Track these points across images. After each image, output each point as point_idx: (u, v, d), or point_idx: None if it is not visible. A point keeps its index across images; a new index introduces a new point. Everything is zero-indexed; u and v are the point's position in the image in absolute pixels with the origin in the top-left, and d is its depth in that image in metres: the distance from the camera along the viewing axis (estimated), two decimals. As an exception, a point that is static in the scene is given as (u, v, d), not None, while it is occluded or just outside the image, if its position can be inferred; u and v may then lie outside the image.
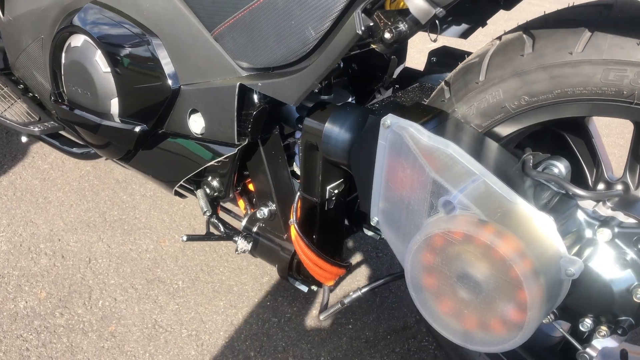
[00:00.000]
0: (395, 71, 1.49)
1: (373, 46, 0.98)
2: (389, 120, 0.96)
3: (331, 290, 1.45)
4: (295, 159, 1.39)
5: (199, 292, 1.56)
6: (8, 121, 1.61)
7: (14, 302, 1.48)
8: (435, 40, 1.35)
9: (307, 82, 1.03)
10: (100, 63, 1.35)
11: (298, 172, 1.37)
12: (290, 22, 1.01)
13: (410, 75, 1.46)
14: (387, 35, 0.93)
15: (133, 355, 1.36)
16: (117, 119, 1.38)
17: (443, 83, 1.07)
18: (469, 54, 1.31)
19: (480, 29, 1.33)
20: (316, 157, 1.18)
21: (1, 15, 1.63)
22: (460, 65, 1.05)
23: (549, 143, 1.09)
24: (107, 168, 2.07)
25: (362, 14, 0.92)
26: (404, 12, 0.92)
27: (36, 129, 1.61)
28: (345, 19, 0.95)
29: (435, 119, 1.00)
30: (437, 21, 1.32)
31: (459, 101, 1.02)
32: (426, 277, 0.94)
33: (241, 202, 1.45)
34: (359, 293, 1.23)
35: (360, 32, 0.92)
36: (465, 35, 1.42)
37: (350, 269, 1.65)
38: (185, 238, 1.34)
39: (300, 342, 1.43)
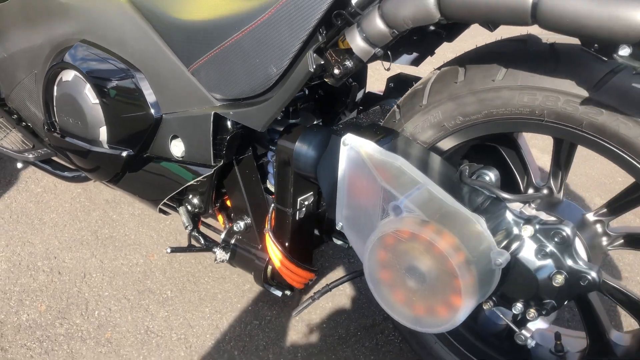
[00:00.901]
0: (358, 95, 1.66)
1: (326, 80, 1.16)
2: (347, 139, 1.14)
3: (302, 292, 1.60)
4: (268, 177, 1.55)
5: (186, 300, 1.71)
6: (5, 149, 1.76)
7: (16, 315, 1.62)
8: (388, 69, 1.52)
9: (271, 111, 1.20)
10: (89, 95, 1.51)
11: (271, 188, 1.54)
12: (255, 60, 1.18)
13: (372, 98, 1.63)
14: (336, 71, 1.11)
15: (128, 358, 1.50)
16: (105, 145, 1.53)
17: (395, 106, 1.25)
18: (420, 78, 1.49)
19: (430, 57, 1.50)
20: (288, 172, 1.35)
21: (-4, 53, 1.79)
22: (409, 91, 1.22)
23: (487, 155, 1.27)
24: (97, 190, 2.22)
25: (314, 54, 1.09)
26: (350, 51, 1.09)
27: (30, 156, 1.76)
28: (301, 58, 1.12)
29: (387, 137, 1.17)
30: (389, 52, 1.51)
31: (407, 121, 1.19)
32: (381, 271, 1.10)
33: (220, 217, 1.61)
34: (327, 289, 1.39)
35: (312, 70, 1.09)
36: (416, 63, 1.60)
37: (323, 273, 1.81)
38: (169, 250, 1.50)
39: (279, 341, 1.58)
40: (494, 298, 1.19)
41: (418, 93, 1.18)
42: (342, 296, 1.74)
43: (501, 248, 1.05)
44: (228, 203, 1.58)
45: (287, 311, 1.68)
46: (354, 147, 1.13)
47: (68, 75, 1.55)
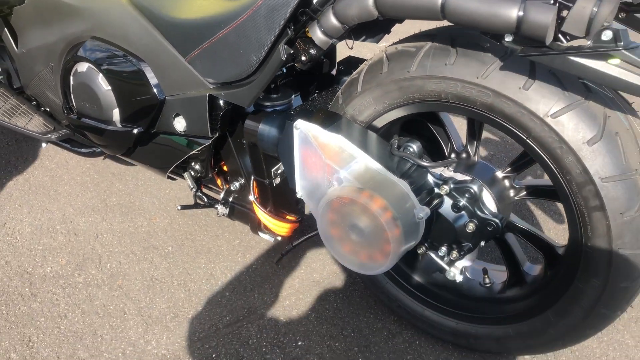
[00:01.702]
0: (330, 69, 1.93)
1: (295, 64, 1.44)
2: (298, 124, 1.41)
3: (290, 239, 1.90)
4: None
5: (184, 254, 2.01)
6: (31, 132, 2.05)
7: (42, 268, 1.92)
8: (351, 48, 1.79)
9: (254, 91, 1.48)
10: (102, 83, 1.79)
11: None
12: (239, 50, 1.46)
13: (327, 78, 1.89)
14: (303, 58, 1.39)
15: (137, 299, 1.81)
16: (119, 124, 1.82)
17: (340, 92, 1.52)
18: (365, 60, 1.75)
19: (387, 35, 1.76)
20: (258, 150, 1.62)
21: (15, 48, 2.06)
22: (348, 79, 1.49)
23: (418, 128, 1.55)
24: (104, 164, 2.51)
25: (285, 46, 1.38)
26: (311, 41, 1.37)
27: (53, 137, 2.05)
28: (275, 48, 1.40)
29: (331, 120, 1.43)
30: (351, 33, 1.78)
31: (347, 106, 1.46)
32: (331, 229, 1.39)
33: (218, 181, 1.90)
34: (290, 247, 1.70)
35: (283, 59, 1.37)
36: (376, 40, 1.87)
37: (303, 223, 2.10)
38: (179, 207, 1.80)
39: (263, 284, 1.88)
40: (425, 244, 1.49)
41: (354, 82, 1.44)
42: (317, 247, 2.04)
43: (423, 205, 1.34)
44: (224, 168, 1.87)
45: (270, 261, 1.98)
46: (303, 130, 1.41)
47: (82, 67, 1.83)
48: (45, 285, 1.85)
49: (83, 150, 2.11)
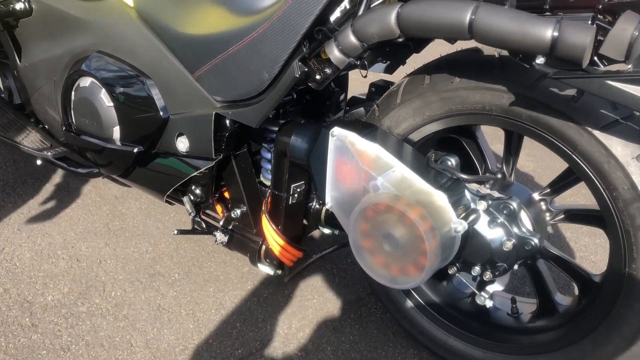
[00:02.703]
0: (340, 98, 1.89)
1: (309, 84, 1.38)
2: (335, 131, 1.36)
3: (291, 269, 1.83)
4: (262, 172, 1.77)
5: (192, 281, 1.93)
6: (27, 148, 1.98)
7: (43, 297, 1.83)
8: (365, 76, 1.74)
9: (264, 110, 1.43)
10: (104, 99, 1.73)
11: (264, 181, 1.76)
12: (250, 67, 1.41)
13: (357, 101, 1.84)
14: (317, 77, 1.34)
15: (144, 330, 1.72)
16: (118, 143, 1.75)
17: (375, 105, 1.48)
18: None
19: (402, 67, 1.73)
20: (284, 162, 1.57)
21: (18, 62, 2.00)
22: (386, 92, 1.46)
23: (451, 145, 1.50)
24: (106, 187, 2.43)
25: (299, 63, 1.32)
26: (329, 60, 1.32)
27: (49, 154, 1.98)
28: (288, 66, 1.35)
29: (368, 129, 1.40)
30: (365, 62, 1.73)
31: (384, 117, 1.42)
32: (363, 239, 1.33)
33: (218, 207, 1.83)
34: (316, 257, 1.62)
35: (297, 76, 1.32)
36: (390, 71, 1.83)
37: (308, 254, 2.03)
38: (176, 232, 1.72)
39: (275, 314, 1.81)
40: (457, 264, 1.43)
41: (393, 94, 1.42)
42: (330, 275, 1.97)
43: (460, 219, 1.29)
44: (225, 194, 1.80)
45: (281, 290, 1.90)
46: (340, 137, 1.36)
47: (85, 81, 1.77)
48: (47, 315, 1.77)
49: (80, 170, 2.03)
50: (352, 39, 1.22)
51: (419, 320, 1.63)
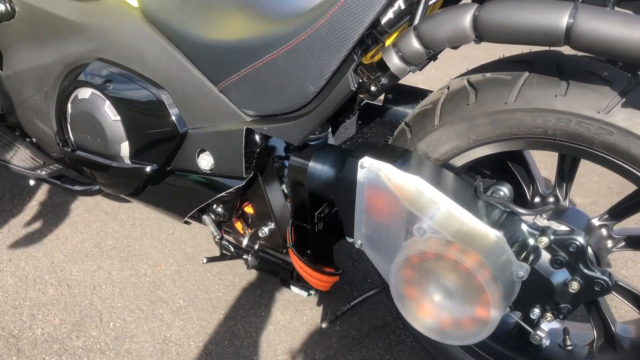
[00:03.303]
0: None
1: (361, 95, 1.22)
2: (365, 162, 1.19)
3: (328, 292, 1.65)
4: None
5: (199, 308, 1.74)
6: (17, 167, 1.76)
7: (31, 330, 1.62)
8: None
9: (309, 126, 1.25)
10: (109, 112, 1.52)
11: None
12: (291, 79, 1.23)
13: (372, 110, 1.68)
14: (373, 88, 1.17)
15: (150, 367, 1.53)
16: (127, 161, 1.55)
17: (404, 124, 1.29)
18: (418, 89, 1.55)
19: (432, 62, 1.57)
20: (302, 191, 1.39)
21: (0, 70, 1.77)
22: (417, 109, 1.27)
23: (495, 167, 1.35)
24: (94, 201, 2.22)
25: (353, 73, 1.15)
26: (383, 67, 1.15)
27: (43, 172, 1.76)
28: (338, 76, 1.18)
29: (402, 157, 1.21)
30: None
31: (419, 141, 1.24)
32: (407, 289, 1.17)
33: (238, 225, 1.65)
34: (347, 306, 1.46)
35: (353, 89, 1.15)
36: (420, 68, 1.68)
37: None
38: (205, 260, 1.53)
39: (296, 345, 1.63)
40: (511, 305, 1.27)
41: (428, 113, 1.23)
42: (351, 297, 1.78)
43: (520, 260, 1.13)
44: (247, 210, 1.62)
45: (299, 316, 1.73)
46: (372, 170, 1.18)
47: (84, 93, 1.56)
48: (37, 352, 1.55)
49: (77, 187, 1.82)
50: (416, 45, 1.06)
51: (455, 354, 1.47)
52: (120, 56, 1.49)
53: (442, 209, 1.12)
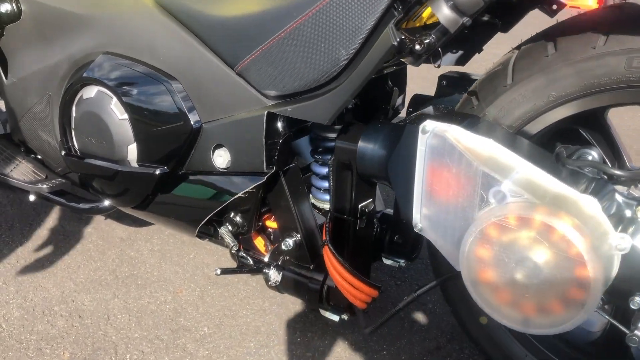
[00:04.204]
0: (397, 101, 1.55)
1: (403, 60, 1.04)
2: (428, 126, 1.01)
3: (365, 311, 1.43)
4: (312, 191, 1.41)
5: (226, 336, 1.53)
6: (16, 180, 1.60)
7: (37, 366, 1.43)
8: (439, 66, 1.42)
9: (340, 100, 1.08)
10: (115, 111, 1.37)
11: (316, 203, 1.40)
12: (320, 45, 1.06)
13: (421, 101, 1.51)
14: (417, 47, 0.99)
15: (172, 404, 1.32)
16: (135, 164, 1.39)
17: (467, 94, 1.13)
18: (475, 75, 1.38)
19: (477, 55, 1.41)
20: (349, 176, 1.22)
21: (4, 79, 1.64)
22: (484, 75, 1.12)
23: (570, 139, 1.15)
24: (109, 228, 2.05)
25: (394, 28, 0.98)
26: (427, 27, 0.98)
27: (44, 187, 1.60)
28: (376, 36, 1.01)
29: (470, 121, 1.05)
30: (439, 48, 1.41)
31: (489, 105, 1.08)
32: (483, 270, 0.96)
33: (259, 240, 1.46)
34: (413, 295, 1.23)
35: (395, 44, 0.97)
36: (462, 62, 1.50)
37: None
38: (219, 272, 1.34)
39: (338, 373, 1.41)
40: (602, 296, 1.05)
41: (498, 74, 1.08)
42: (397, 319, 1.58)
43: (620, 233, 0.93)
44: (268, 223, 1.44)
45: (340, 340, 1.51)
46: (437, 133, 1.01)
47: (90, 91, 1.42)
48: (43, 390, 1.36)
49: (83, 205, 1.65)
50: None
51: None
52: (128, 47, 1.35)
53: (520, 173, 0.94)
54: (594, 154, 1.03)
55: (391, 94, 1.50)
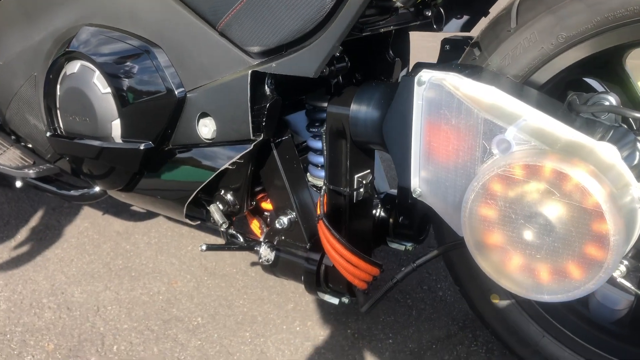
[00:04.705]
0: (400, 74, 1.45)
1: (400, 3, 0.95)
2: (424, 76, 0.91)
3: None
4: (309, 168, 1.32)
5: (220, 325, 1.43)
6: (2, 166, 1.53)
7: (19, 357, 1.34)
8: (441, 30, 1.33)
9: (326, 49, 0.99)
10: (98, 84, 1.30)
11: (311, 180, 1.31)
12: (304, -11, 0.98)
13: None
14: None
15: (158, 395, 1.22)
16: (119, 141, 1.31)
17: (470, 46, 1.04)
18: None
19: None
20: (342, 145, 1.12)
21: (-8, 63, 1.58)
22: (487, 24, 1.02)
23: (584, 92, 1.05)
24: (106, 222, 1.97)
25: None
26: None
27: (31, 172, 1.53)
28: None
29: (470, 71, 0.95)
30: (442, 11, 1.31)
31: (491, 54, 0.98)
32: (488, 231, 0.86)
33: (255, 223, 1.36)
34: (412, 266, 1.11)
35: None
36: (468, 28, 1.40)
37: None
38: (204, 247, 1.24)
39: (339, 362, 1.30)
40: (625, 261, 0.94)
41: (502, 19, 0.98)
42: (404, 307, 1.47)
43: None
44: (263, 205, 1.35)
45: (342, 329, 1.40)
46: (434, 82, 0.91)
47: (72, 67, 1.35)
48: (23, 382, 1.27)
49: (73, 192, 1.57)
50: None
51: (554, 351, 1.12)
52: (111, 17, 1.28)
53: (529, 120, 0.83)
54: (611, 100, 0.92)
55: (393, 64, 1.40)
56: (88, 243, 1.85)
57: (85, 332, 1.43)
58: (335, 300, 1.25)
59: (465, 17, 1.39)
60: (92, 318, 1.48)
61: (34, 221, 2.00)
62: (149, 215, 2.00)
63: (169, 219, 1.96)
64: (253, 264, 1.68)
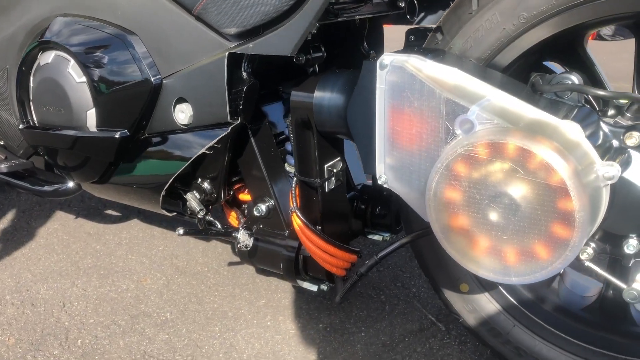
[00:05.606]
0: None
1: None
2: (386, 59, 0.91)
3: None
4: (287, 157, 1.31)
5: (190, 320, 1.40)
6: (-30, 162, 1.50)
7: (-22, 351, 1.29)
8: (413, 22, 1.34)
9: (303, 27, 0.99)
10: (73, 74, 1.28)
11: (289, 169, 1.30)
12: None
13: None
14: None
15: (122, 386, 1.18)
16: (94, 129, 1.29)
17: (433, 31, 1.04)
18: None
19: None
20: (309, 135, 1.11)
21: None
22: (449, 8, 1.02)
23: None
24: (77, 224, 1.93)
25: None
26: None
27: (3, 166, 1.50)
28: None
29: (432, 54, 0.95)
30: (415, 2, 1.33)
31: (453, 37, 0.98)
32: (453, 212, 0.84)
33: (232, 215, 1.35)
34: (375, 259, 1.11)
35: None
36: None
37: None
38: (181, 231, 1.21)
39: (310, 354, 1.27)
40: (592, 244, 0.94)
41: (463, 2, 0.98)
42: (377, 302, 1.45)
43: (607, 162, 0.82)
44: (241, 197, 1.33)
45: (313, 323, 1.38)
46: (396, 64, 0.90)
47: (47, 57, 1.33)
48: (-19, 374, 1.22)
49: (46, 188, 1.54)
50: None
51: (528, 343, 1.11)
52: (86, 7, 1.27)
53: (491, 100, 0.83)
54: (573, 79, 0.93)
55: (368, 57, 1.41)
56: (57, 243, 1.81)
57: (49, 326, 1.38)
58: (314, 288, 1.23)
59: (440, 11, 1.41)
60: (57, 313, 1.43)
61: (2, 223, 1.95)
62: (121, 217, 1.97)
63: (142, 219, 1.93)
64: (225, 262, 1.65)
